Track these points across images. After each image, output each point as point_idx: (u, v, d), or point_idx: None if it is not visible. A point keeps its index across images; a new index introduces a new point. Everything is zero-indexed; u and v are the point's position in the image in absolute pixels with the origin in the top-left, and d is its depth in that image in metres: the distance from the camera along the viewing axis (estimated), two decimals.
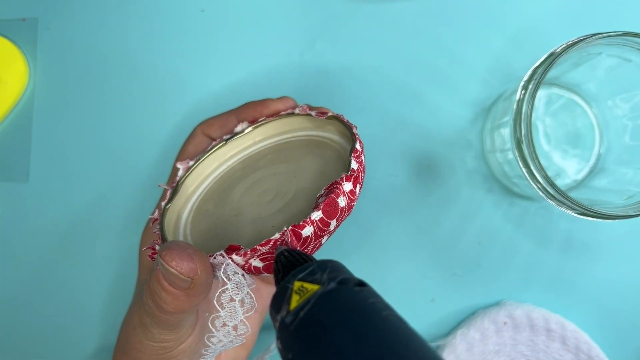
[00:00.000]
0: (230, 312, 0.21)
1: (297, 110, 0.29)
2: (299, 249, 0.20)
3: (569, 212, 0.26)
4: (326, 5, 0.37)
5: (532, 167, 0.26)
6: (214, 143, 0.30)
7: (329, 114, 0.28)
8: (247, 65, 0.37)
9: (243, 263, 0.21)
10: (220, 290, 0.21)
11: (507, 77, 0.35)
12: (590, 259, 0.34)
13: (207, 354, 0.26)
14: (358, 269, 0.35)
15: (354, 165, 0.23)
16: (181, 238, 0.26)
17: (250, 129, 0.30)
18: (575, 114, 0.34)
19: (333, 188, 0.22)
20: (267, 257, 0.21)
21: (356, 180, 0.23)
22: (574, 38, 0.25)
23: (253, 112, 0.30)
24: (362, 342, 0.14)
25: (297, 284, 0.17)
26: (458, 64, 0.35)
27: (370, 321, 0.15)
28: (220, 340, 0.23)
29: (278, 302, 0.17)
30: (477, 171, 0.35)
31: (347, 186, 0.22)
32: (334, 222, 0.22)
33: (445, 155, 0.35)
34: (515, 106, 0.26)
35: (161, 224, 0.26)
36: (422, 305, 0.35)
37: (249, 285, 0.22)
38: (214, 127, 0.30)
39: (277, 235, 0.21)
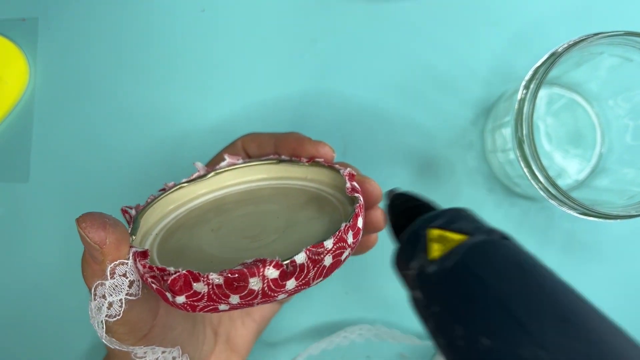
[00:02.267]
0: (98, 308, 0.20)
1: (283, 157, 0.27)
2: (184, 298, 0.19)
3: (571, 212, 0.26)
4: (327, 6, 0.36)
5: (534, 167, 0.26)
6: (227, 162, 0.28)
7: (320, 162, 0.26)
8: (247, 65, 0.37)
9: (142, 273, 0.20)
10: (98, 281, 0.20)
11: (508, 77, 0.35)
12: (591, 259, 0.34)
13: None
14: (358, 270, 0.35)
15: (300, 258, 0.19)
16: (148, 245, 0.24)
17: (212, 174, 0.28)
18: (577, 113, 0.33)
19: (254, 264, 0.18)
20: (158, 283, 0.19)
21: (294, 276, 0.19)
22: (575, 37, 0.25)
23: (291, 144, 0.28)
24: (530, 297, 0.13)
25: (434, 232, 0.16)
26: (459, 64, 0.35)
27: (533, 277, 0.14)
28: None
29: (409, 250, 0.16)
30: (478, 171, 0.35)
31: (271, 273, 0.18)
32: (235, 297, 0.19)
33: (446, 155, 0.35)
34: (516, 106, 0.26)
35: (138, 216, 0.24)
36: None
37: (130, 295, 0.20)
38: (253, 145, 0.29)
39: (171, 270, 0.19)
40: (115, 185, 0.37)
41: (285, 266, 0.19)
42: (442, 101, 0.35)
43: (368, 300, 0.35)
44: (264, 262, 0.18)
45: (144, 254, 0.20)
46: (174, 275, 0.18)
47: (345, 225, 0.20)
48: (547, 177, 0.26)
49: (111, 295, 0.20)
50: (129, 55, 0.38)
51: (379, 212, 0.26)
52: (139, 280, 0.21)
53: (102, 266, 0.21)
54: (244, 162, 0.28)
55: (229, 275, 0.18)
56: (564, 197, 0.25)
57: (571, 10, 0.35)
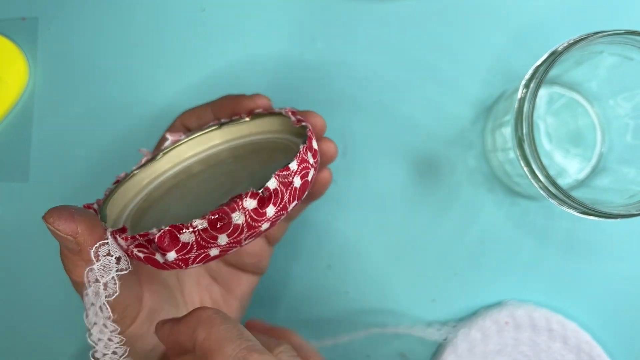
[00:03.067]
0: (96, 293, 0.21)
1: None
2: (174, 253, 0.20)
3: (571, 211, 0.26)
4: (327, 5, 0.36)
5: (534, 166, 0.26)
6: (170, 141, 0.29)
7: (275, 111, 0.27)
8: (247, 65, 0.37)
9: (125, 247, 0.21)
10: (87, 268, 0.21)
11: (508, 76, 0.35)
12: (592, 258, 0.34)
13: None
14: (359, 270, 0.35)
15: (272, 184, 0.20)
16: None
17: (183, 137, 0.29)
18: (577, 113, 0.33)
19: (232, 200, 0.20)
20: (145, 249, 0.20)
21: (271, 201, 0.20)
22: (575, 36, 0.25)
23: (227, 107, 0.29)
24: None
25: None
26: (459, 63, 0.35)
27: None
28: (90, 323, 0.22)
29: None
30: (479, 171, 0.35)
31: (250, 203, 0.20)
32: (223, 237, 0.20)
33: (446, 154, 0.35)
34: (516, 105, 0.26)
35: (102, 207, 0.24)
36: (423, 305, 0.35)
37: (121, 270, 0.21)
38: (192, 119, 0.30)
39: (154, 231, 0.19)
40: None
41: (261, 193, 0.20)
42: (442, 100, 0.35)
43: (371, 299, 0.35)
44: (240, 196, 0.20)
45: (122, 230, 0.21)
46: (159, 234, 0.19)
47: (303, 147, 0.22)
48: (547, 177, 0.26)
49: (103, 276, 0.21)
50: (128, 54, 0.38)
51: (329, 142, 0.28)
52: (124, 255, 0.21)
53: (81, 256, 0.21)
54: (187, 136, 0.29)
55: (211, 216, 0.19)
56: (564, 196, 0.25)
57: (571, 10, 0.35)
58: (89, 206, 0.24)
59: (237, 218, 0.19)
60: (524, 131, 0.26)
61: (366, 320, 0.35)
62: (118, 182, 0.27)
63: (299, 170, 0.21)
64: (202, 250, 0.20)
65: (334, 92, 0.36)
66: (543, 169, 0.26)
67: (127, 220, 0.25)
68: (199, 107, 0.30)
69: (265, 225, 0.20)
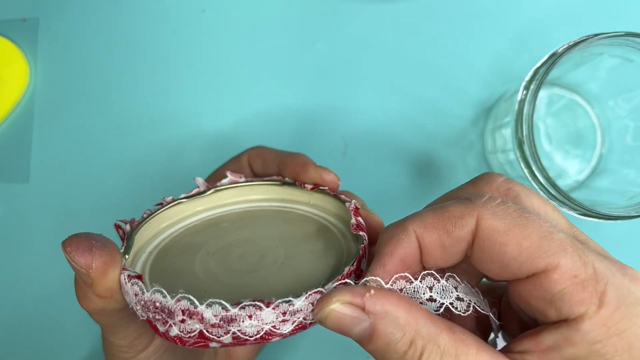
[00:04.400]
0: None
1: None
2: (177, 330, 0.18)
3: (571, 212, 0.26)
4: (327, 6, 0.36)
5: (534, 168, 0.26)
6: (228, 179, 0.27)
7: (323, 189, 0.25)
8: (247, 65, 0.37)
9: (135, 299, 0.19)
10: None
11: (508, 78, 0.35)
12: None
13: None
14: None
15: (299, 302, 0.18)
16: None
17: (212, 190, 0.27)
18: (577, 114, 0.33)
19: (252, 305, 0.17)
20: (152, 312, 0.18)
21: (290, 320, 0.18)
22: (575, 38, 0.25)
23: (294, 168, 0.27)
24: None
25: None
26: (459, 64, 0.35)
27: None
28: None
29: None
30: (479, 171, 0.35)
31: (268, 316, 0.18)
32: (228, 338, 0.18)
33: (446, 155, 0.35)
34: (516, 106, 0.26)
35: (132, 232, 0.23)
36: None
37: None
38: (257, 160, 0.29)
39: (168, 299, 0.18)
40: (115, 185, 0.37)
41: (283, 307, 0.18)
42: (443, 102, 0.35)
43: None
44: (259, 306, 0.18)
45: (138, 277, 0.20)
46: (175, 303, 0.18)
47: (349, 269, 0.19)
48: (547, 178, 0.26)
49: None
50: (129, 55, 0.38)
51: (376, 216, 0.25)
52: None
53: (92, 289, 0.20)
54: (246, 181, 0.27)
55: (225, 314, 0.17)
56: (564, 197, 0.25)
57: (571, 11, 0.35)
58: (119, 226, 0.23)
59: (249, 327, 0.18)
60: (524, 132, 0.26)
61: None
62: (161, 205, 0.25)
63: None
64: (203, 340, 0.18)
65: (334, 93, 0.36)
66: (543, 170, 0.26)
67: (150, 254, 0.23)
68: (269, 152, 0.29)
69: (275, 339, 0.18)
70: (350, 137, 0.36)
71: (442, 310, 0.18)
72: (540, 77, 0.26)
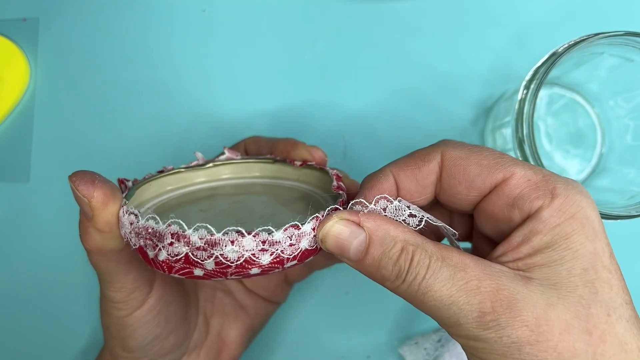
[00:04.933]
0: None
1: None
2: (165, 254, 0.20)
3: None
4: (327, 6, 0.36)
5: None
6: (225, 156, 0.29)
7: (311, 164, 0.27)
8: (248, 65, 0.37)
9: (129, 229, 0.21)
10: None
11: (508, 77, 0.35)
12: None
13: None
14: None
15: (278, 235, 0.20)
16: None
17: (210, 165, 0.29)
18: (577, 113, 0.33)
19: (237, 232, 0.19)
20: (145, 238, 0.20)
21: (268, 251, 0.20)
22: (575, 38, 0.25)
23: (285, 148, 0.29)
24: None
25: None
26: (459, 64, 0.35)
27: None
28: None
29: None
30: None
31: (248, 243, 0.19)
32: (210, 263, 0.20)
33: None
34: (517, 106, 0.26)
35: (133, 188, 0.24)
36: None
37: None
38: (252, 145, 0.31)
39: (160, 224, 0.20)
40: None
41: (260, 235, 0.19)
42: (443, 101, 0.35)
43: (372, 300, 0.35)
44: (241, 233, 0.19)
45: (135, 215, 0.21)
46: (166, 227, 0.19)
47: (323, 213, 0.21)
48: None
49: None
50: (129, 55, 0.38)
51: None
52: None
53: (93, 223, 0.22)
54: (242, 159, 0.29)
55: (210, 238, 0.19)
56: None
57: (571, 10, 0.35)
58: (122, 180, 0.24)
59: (230, 251, 0.19)
60: (525, 132, 0.26)
61: (366, 322, 0.35)
62: (162, 172, 0.27)
63: (309, 232, 0.20)
64: (188, 266, 0.20)
65: (334, 93, 0.36)
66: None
67: (148, 210, 0.25)
68: (262, 139, 0.31)
69: (254, 270, 0.20)
70: (350, 137, 0.36)
71: (422, 225, 0.21)
72: (540, 77, 0.26)
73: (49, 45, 0.39)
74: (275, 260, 0.20)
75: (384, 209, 0.21)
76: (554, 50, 0.26)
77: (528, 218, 0.19)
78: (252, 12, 0.37)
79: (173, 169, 0.27)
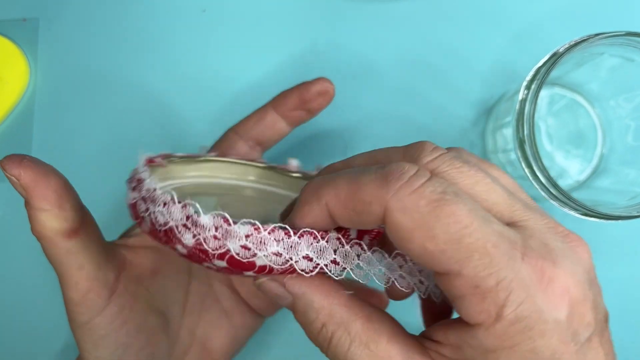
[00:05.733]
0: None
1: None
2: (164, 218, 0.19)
3: (572, 212, 0.26)
4: (327, 5, 0.36)
5: (535, 168, 0.26)
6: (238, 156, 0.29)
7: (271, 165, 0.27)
8: (248, 65, 0.37)
9: (138, 195, 0.20)
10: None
11: (509, 77, 0.35)
12: (592, 259, 0.34)
13: None
14: None
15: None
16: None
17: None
18: (578, 114, 0.33)
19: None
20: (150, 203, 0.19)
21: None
22: (576, 38, 0.25)
23: (291, 100, 0.28)
24: None
25: None
26: (460, 64, 0.35)
27: None
28: None
29: None
30: None
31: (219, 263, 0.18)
32: (189, 237, 0.18)
33: None
34: (517, 106, 0.26)
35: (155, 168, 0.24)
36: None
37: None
38: (248, 124, 0.30)
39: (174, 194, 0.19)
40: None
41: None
42: (443, 101, 0.35)
43: None
44: (173, 200, 0.19)
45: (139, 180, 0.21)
46: (179, 202, 0.18)
47: (265, 227, 0.19)
48: (548, 178, 0.26)
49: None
50: (129, 55, 0.38)
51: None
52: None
53: (29, 204, 0.22)
54: (255, 163, 0.29)
55: (186, 214, 0.18)
56: (565, 197, 0.25)
57: (572, 10, 0.35)
58: (151, 160, 0.24)
59: (159, 213, 0.19)
60: (525, 132, 0.26)
61: None
62: (187, 157, 0.27)
63: (238, 235, 0.18)
64: (172, 238, 0.19)
65: (334, 93, 0.36)
66: (544, 170, 0.26)
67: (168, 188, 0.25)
68: (255, 112, 0.30)
69: (180, 248, 0.19)
70: (350, 137, 0.36)
71: (344, 274, 0.18)
72: (541, 77, 0.26)
73: (49, 45, 0.39)
74: (197, 245, 0.18)
75: (335, 251, 0.18)
76: (554, 50, 0.26)
77: (467, 324, 0.16)
78: (252, 12, 0.37)
79: (198, 156, 0.27)
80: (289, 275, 0.18)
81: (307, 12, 0.37)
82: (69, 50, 0.39)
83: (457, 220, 0.15)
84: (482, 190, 0.18)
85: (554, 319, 0.16)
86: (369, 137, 0.36)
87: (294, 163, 0.28)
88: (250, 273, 0.19)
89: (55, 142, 0.38)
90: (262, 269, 0.18)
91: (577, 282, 0.16)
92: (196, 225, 0.18)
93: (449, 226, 0.15)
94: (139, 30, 0.38)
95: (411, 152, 0.19)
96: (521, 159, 0.26)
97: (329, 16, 0.36)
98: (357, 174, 0.17)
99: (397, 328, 0.18)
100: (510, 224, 0.17)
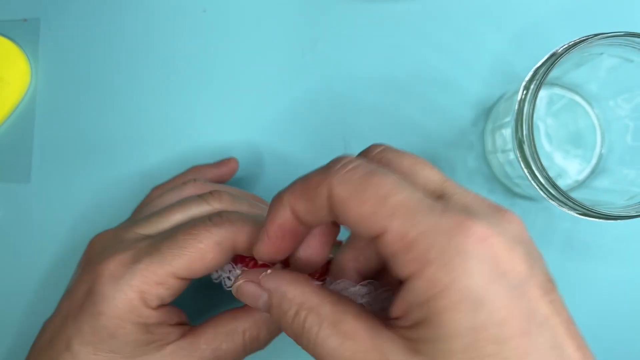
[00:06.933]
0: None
1: None
2: None
3: (571, 212, 0.26)
4: (327, 6, 0.37)
5: (534, 168, 0.26)
6: None
7: None
8: (248, 65, 0.37)
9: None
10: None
11: (508, 78, 0.35)
12: (591, 259, 0.34)
13: None
14: None
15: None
16: None
17: None
18: (577, 114, 0.33)
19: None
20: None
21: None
22: (575, 38, 0.25)
23: (197, 175, 0.31)
24: None
25: None
26: (459, 65, 0.35)
27: None
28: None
29: None
30: (479, 172, 0.35)
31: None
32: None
33: (446, 156, 0.35)
34: (516, 106, 0.26)
35: None
36: None
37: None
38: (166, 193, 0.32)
39: None
40: (116, 185, 0.38)
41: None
42: (442, 102, 0.35)
43: None
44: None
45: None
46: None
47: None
48: (547, 178, 0.26)
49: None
50: (130, 55, 0.38)
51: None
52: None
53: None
54: None
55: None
56: (564, 197, 0.25)
57: (571, 11, 0.35)
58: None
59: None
60: (524, 132, 0.26)
61: None
62: None
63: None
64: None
65: (334, 93, 0.36)
66: (543, 170, 0.26)
67: None
68: (204, 168, 0.34)
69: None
70: (350, 137, 0.36)
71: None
72: (540, 77, 0.26)
73: (50, 45, 0.39)
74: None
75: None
76: (553, 50, 0.26)
77: (403, 285, 0.17)
78: (252, 13, 0.37)
79: None
80: (263, 273, 0.21)
81: (307, 12, 0.37)
82: (70, 50, 0.39)
83: (383, 185, 0.17)
84: (419, 168, 0.20)
85: (478, 259, 0.16)
86: (369, 137, 0.36)
87: None
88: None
89: (57, 141, 0.38)
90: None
91: (497, 233, 0.17)
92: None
93: (376, 191, 0.17)
94: (139, 31, 0.38)
95: (363, 154, 0.22)
96: (520, 159, 0.26)
97: (329, 16, 0.36)
98: (308, 173, 0.20)
99: (362, 310, 0.19)
100: (440, 197, 0.19)
